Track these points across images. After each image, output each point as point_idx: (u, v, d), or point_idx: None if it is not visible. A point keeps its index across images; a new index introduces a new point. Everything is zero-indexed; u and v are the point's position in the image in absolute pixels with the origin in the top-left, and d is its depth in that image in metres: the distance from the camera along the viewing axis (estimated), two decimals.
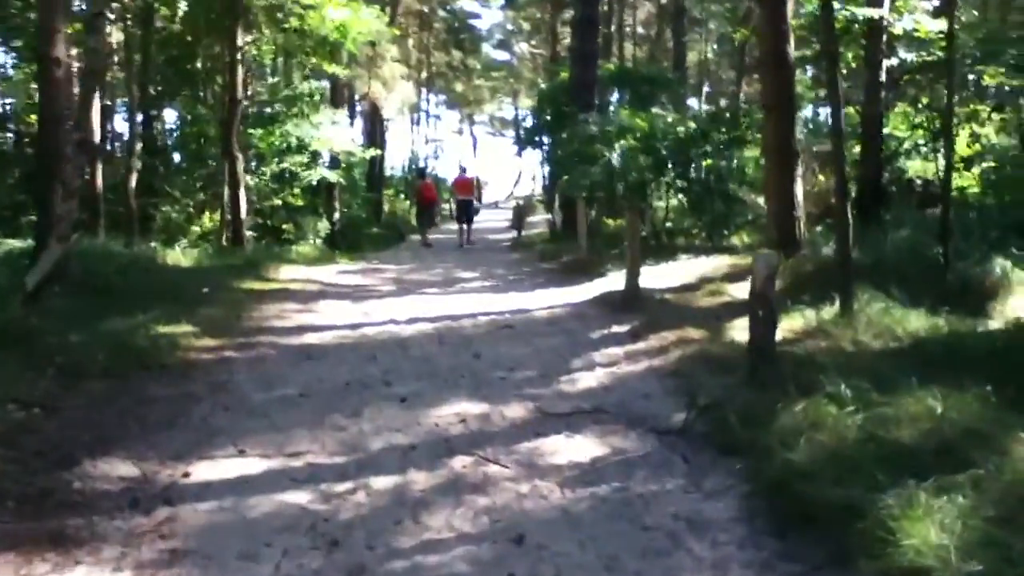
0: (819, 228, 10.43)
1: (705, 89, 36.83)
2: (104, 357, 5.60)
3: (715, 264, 10.12)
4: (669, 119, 12.73)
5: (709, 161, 11.98)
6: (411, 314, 8.00)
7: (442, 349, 6.55)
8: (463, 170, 22.46)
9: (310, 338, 6.95)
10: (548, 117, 20.66)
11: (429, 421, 4.77)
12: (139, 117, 19.65)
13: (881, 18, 10.82)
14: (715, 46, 37.58)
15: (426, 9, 40.91)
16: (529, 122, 27.18)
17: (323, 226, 16.30)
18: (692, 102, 29.76)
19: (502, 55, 58.58)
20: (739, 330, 6.62)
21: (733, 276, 9.23)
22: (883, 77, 11.49)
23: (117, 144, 22.25)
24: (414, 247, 19.86)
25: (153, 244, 12.40)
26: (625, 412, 4.83)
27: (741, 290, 8.44)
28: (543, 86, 25.64)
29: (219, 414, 4.89)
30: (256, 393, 5.32)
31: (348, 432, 4.61)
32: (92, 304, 7.25)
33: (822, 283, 7.51)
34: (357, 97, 23.15)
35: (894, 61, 12.12)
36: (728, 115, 12.24)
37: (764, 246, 9.79)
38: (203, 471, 4.04)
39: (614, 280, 9.45)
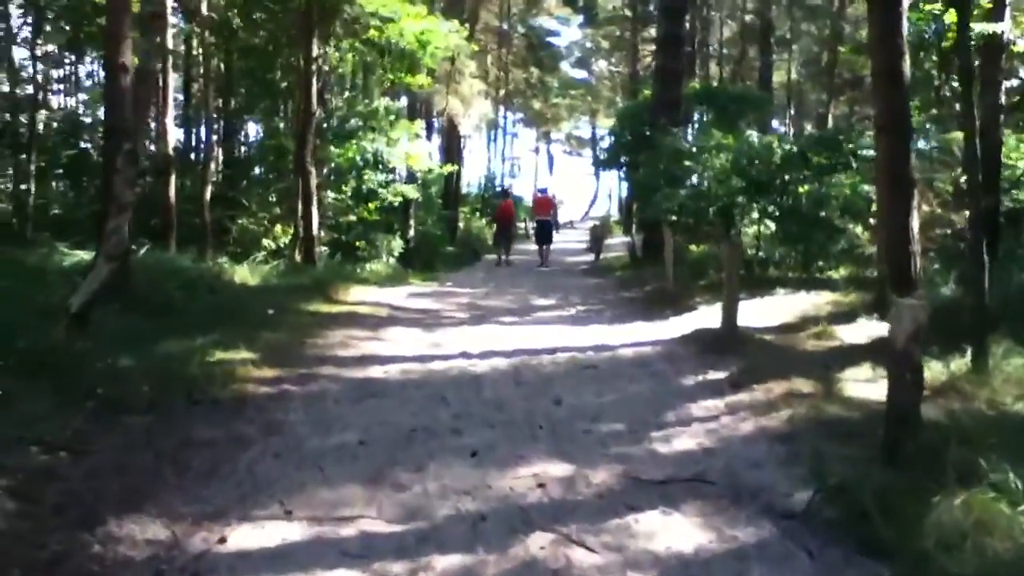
0: (936, 265, 9.46)
1: (790, 112, 35.59)
2: (150, 388, 5.15)
3: (816, 301, 9.27)
4: (764, 139, 11.88)
5: (806, 187, 11.11)
6: (485, 346, 7.39)
7: (518, 391, 5.91)
8: (543, 191, 22.09)
9: (375, 371, 6.40)
10: (629, 136, 19.98)
11: (503, 484, 4.13)
12: (219, 128, 19.87)
13: (1002, 33, 9.85)
14: (801, 68, 36.27)
15: (505, 26, 40.77)
16: (608, 141, 26.56)
17: (397, 244, 15.89)
18: (776, 123, 28.58)
19: (580, 73, 58.20)
20: (854, 383, 5.84)
21: (838, 316, 8.39)
22: (1003, 99, 10.47)
23: (200, 156, 22.47)
24: (489, 267, 19.36)
25: (223, 260, 12.14)
26: (731, 484, 4.11)
27: (849, 332, 7.63)
28: (623, 104, 24.98)
29: (268, 462, 4.35)
30: (312, 437, 4.77)
31: (410, 492, 4.01)
32: (149, 324, 6.88)
33: (946, 330, 6.63)
34: (435, 113, 22.85)
35: (1014, 82, 11.12)
36: (830, 137, 11.27)
37: (875, 282, 8.91)
38: (242, 536, 3.48)
39: (706, 315, 8.70)
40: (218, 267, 10.59)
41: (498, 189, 25.28)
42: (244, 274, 10.58)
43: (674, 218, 12.12)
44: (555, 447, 4.67)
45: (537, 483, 4.13)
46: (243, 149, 21.26)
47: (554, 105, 58.42)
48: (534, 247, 21.04)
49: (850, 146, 10.86)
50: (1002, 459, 3.56)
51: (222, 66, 18.46)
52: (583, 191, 66.72)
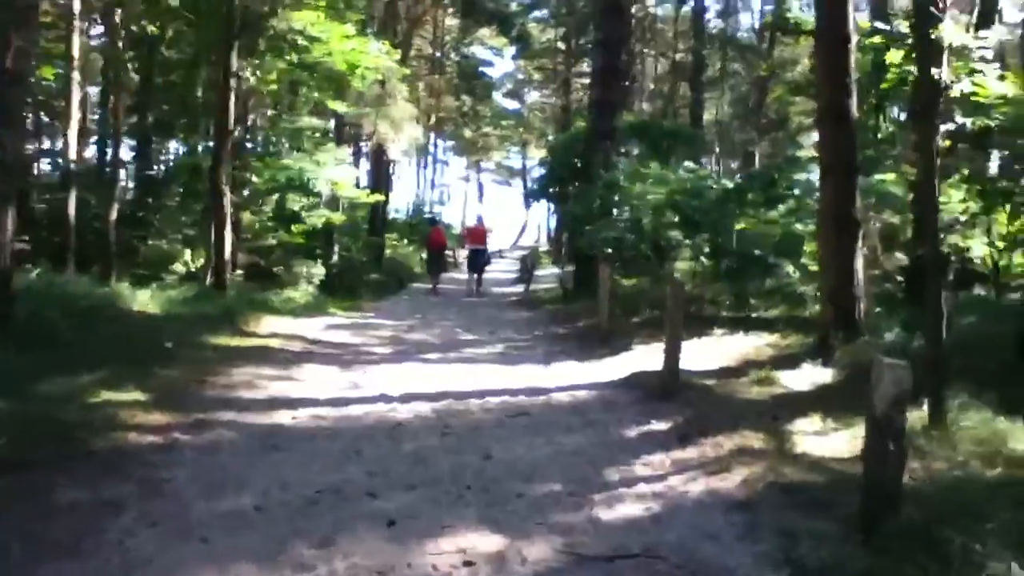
0: (877, 309, 9.22)
1: (716, 149, 35.96)
2: (13, 439, 4.38)
3: (755, 343, 8.91)
4: (699, 174, 11.63)
5: (744, 223, 10.86)
6: (407, 387, 6.75)
7: (444, 443, 5.29)
8: (478, 219, 21.92)
9: (282, 416, 5.70)
10: (561, 167, 19.68)
11: (424, 561, 3.51)
12: (137, 145, 18.82)
13: (940, 78, 9.81)
14: (729, 106, 36.83)
15: (438, 54, 40.44)
16: (539, 171, 26.34)
17: (317, 272, 15.11)
18: (704, 160, 28.74)
19: (512, 104, 58.29)
20: (806, 436, 5.41)
21: (780, 360, 8.01)
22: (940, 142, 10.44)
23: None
24: (415, 296, 18.72)
25: (125, 284, 11.22)
26: (687, 562, 3.57)
27: (793, 379, 7.24)
28: (556, 135, 24.74)
29: (143, 533, 3.64)
30: (199, 500, 4.06)
31: (313, 574, 3.36)
32: (28, 359, 6.05)
33: None
34: (364, 136, 22.18)
35: (950, 126, 11.11)
36: (764, 174, 11.04)
37: (816, 325, 8.60)
38: None
39: (643, 357, 8.24)
40: (117, 292, 9.70)
41: (426, 216, 24.74)
42: (146, 300, 9.71)
43: (609, 251, 11.72)
44: (485, 513, 4.07)
45: (464, 560, 3.53)
46: (161, 167, 20.25)
47: (485, 134, 58.34)
48: (464, 275, 20.60)
49: (784, 184, 10.66)
50: (997, 543, 3.13)
51: (136, 79, 17.53)
52: (512, 221, 66.70)
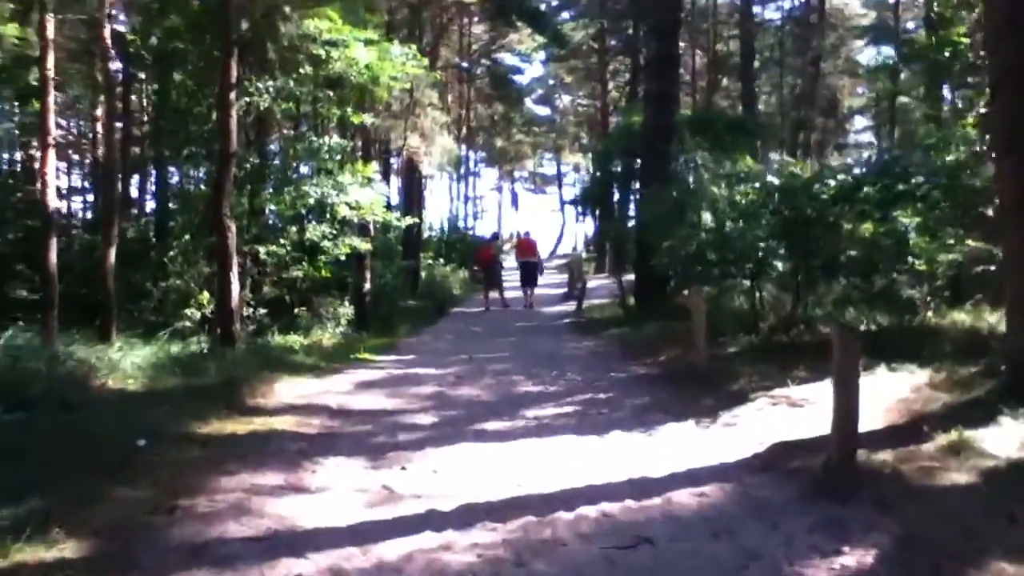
0: None
1: (784, 139, 33.45)
2: None
3: (911, 381, 6.79)
4: (805, 171, 9.51)
5: (870, 227, 8.68)
6: (462, 493, 4.75)
7: None
8: (526, 233, 20.61)
9: (280, 571, 3.75)
10: (612, 170, 17.66)
11: None
12: (151, 178, 17.31)
13: None
14: (786, 93, 34.34)
15: (465, 64, 38.62)
16: (576, 177, 24.40)
17: (345, 311, 13.22)
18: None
19: (544, 110, 56.59)
20: None
21: (960, 410, 5.88)
22: None
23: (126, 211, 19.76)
24: (457, 323, 16.80)
25: (118, 344, 9.48)
26: None
27: (997, 441, 5.15)
28: (603, 139, 22.66)
29: None
30: None
31: None
32: None
33: None
34: (393, 151, 20.36)
35: None
36: (894, 166, 8.78)
37: (1002, 356, 6.46)
38: None
39: (772, 414, 6.19)
40: (100, 359, 7.89)
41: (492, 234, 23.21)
42: (135, 367, 7.89)
43: (698, 268, 9.60)
44: None
45: None
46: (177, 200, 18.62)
47: (517, 143, 56.60)
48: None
49: (918, 176, 8.47)
50: None
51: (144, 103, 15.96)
52: (548, 229, 64.82)
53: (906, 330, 9.11)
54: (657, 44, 15.07)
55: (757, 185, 9.66)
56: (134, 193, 21.68)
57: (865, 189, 8.87)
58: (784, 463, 5.06)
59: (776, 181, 9.13)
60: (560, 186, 63.79)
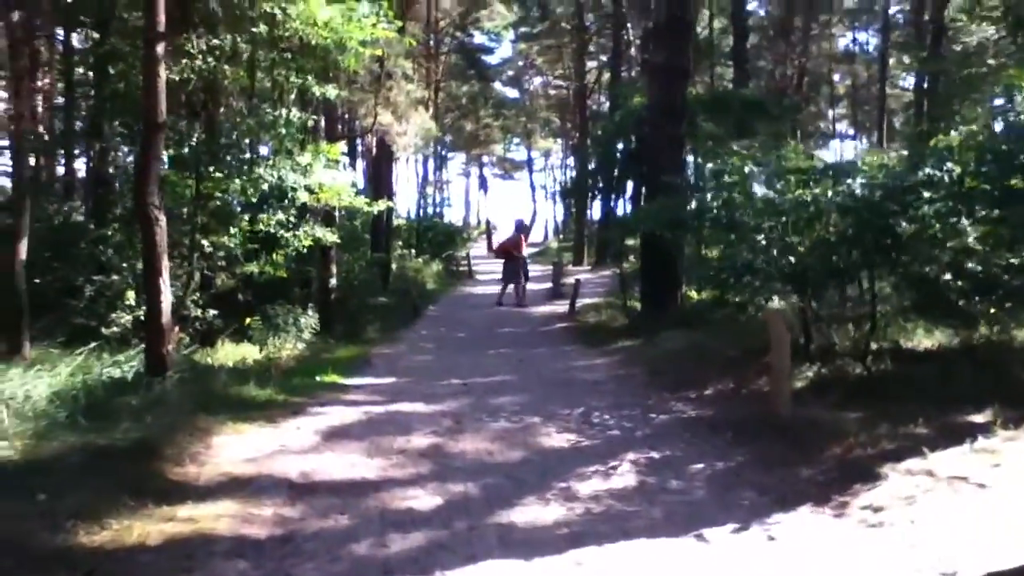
0: None
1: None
2: None
3: None
4: (883, 164, 7.57)
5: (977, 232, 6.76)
6: None
7: None
8: (518, 224, 18.87)
9: None
10: (609, 157, 15.70)
11: None
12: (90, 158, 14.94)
13: None
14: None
15: (432, 42, 36.31)
16: (545, 162, 22.34)
17: (308, 321, 11.07)
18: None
19: (513, 92, 54.57)
20: None
21: None
22: None
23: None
24: (436, 327, 14.78)
25: (18, 369, 7.29)
26: None
27: None
28: (602, 124, 20.62)
29: None
30: None
31: None
32: None
33: None
34: (359, 130, 18.17)
35: None
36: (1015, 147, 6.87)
37: None
38: None
39: (935, 509, 4.25)
40: None
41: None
42: (21, 410, 5.73)
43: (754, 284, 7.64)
44: None
45: None
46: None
47: (486, 126, 54.43)
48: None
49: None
50: None
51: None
52: (517, 215, 62.89)
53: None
54: (668, 6, 13.05)
55: (816, 181, 7.69)
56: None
57: (967, 183, 6.97)
58: None
59: (856, 178, 7.14)
60: (531, 171, 61.88)
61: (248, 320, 10.59)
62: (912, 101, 36.76)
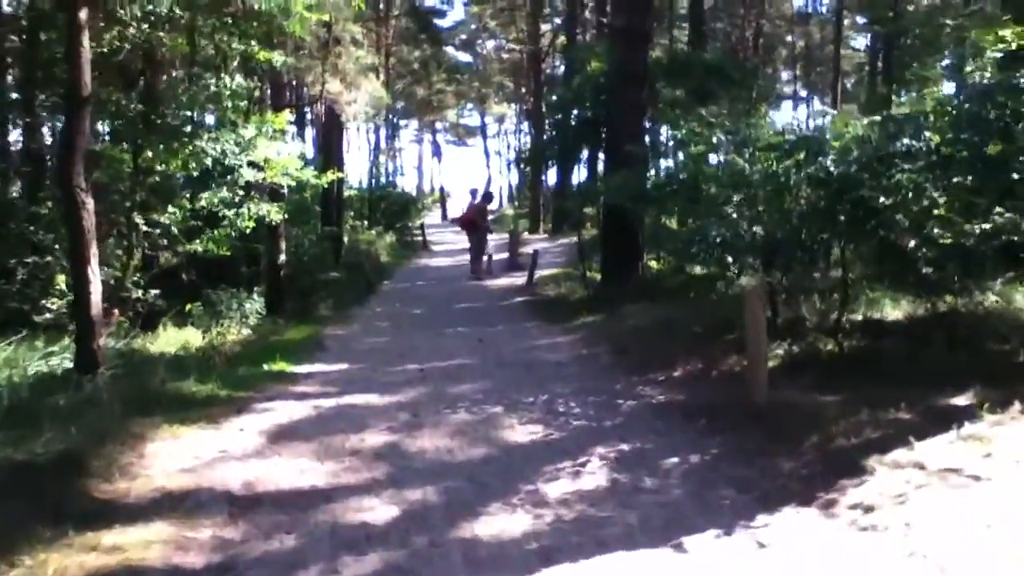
0: None
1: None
2: None
3: None
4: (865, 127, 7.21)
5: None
6: None
7: None
8: (473, 193, 18.45)
9: None
10: (566, 123, 15.25)
11: None
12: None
13: None
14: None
15: (382, 4, 35.27)
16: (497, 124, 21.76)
17: (253, 306, 10.51)
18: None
19: (466, 57, 53.67)
20: None
21: None
22: None
23: None
24: (391, 303, 14.34)
25: None
26: None
27: None
28: (559, 89, 20.07)
29: None
30: None
31: None
32: None
33: None
34: (307, 97, 17.44)
35: None
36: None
37: None
38: None
39: (930, 507, 3.95)
40: None
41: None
42: None
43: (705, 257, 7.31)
44: None
45: None
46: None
47: (439, 91, 53.40)
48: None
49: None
50: None
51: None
52: (472, 182, 62.32)
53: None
54: None
55: (787, 153, 7.33)
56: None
57: (943, 151, 6.68)
58: None
59: (828, 151, 6.78)
60: (484, 138, 61.13)
61: (188, 306, 9.97)
62: (866, 63, 36.90)
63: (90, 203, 6.77)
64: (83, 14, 6.71)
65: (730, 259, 7.28)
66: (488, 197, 19.98)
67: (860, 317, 8.24)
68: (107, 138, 12.03)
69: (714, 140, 7.62)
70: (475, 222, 18.02)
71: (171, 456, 5.18)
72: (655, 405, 6.50)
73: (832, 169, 6.42)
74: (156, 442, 5.38)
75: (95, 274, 6.71)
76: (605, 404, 6.57)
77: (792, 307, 7.86)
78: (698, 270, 8.01)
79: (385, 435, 5.85)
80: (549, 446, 5.60)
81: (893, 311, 8.63)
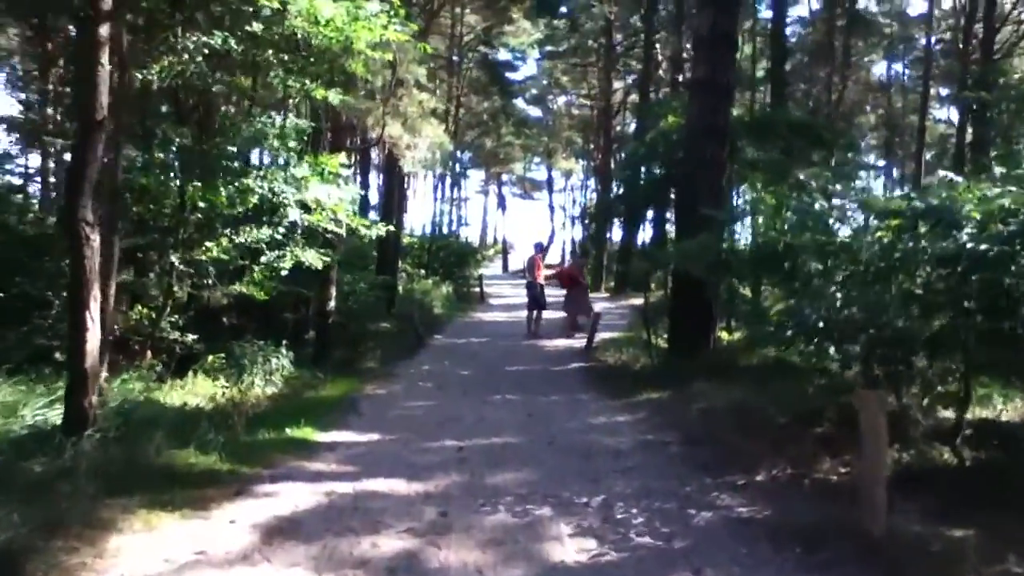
0: None
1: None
2: None
3: None
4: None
5: None
6: None
7: None
8: (537, 247, 17.90)
9: None
10: (636, 181, 14.29)
11: None
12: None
13: None
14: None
15: (455, 57, 35.15)
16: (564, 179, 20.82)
17: (281, 363, 9.64)
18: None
19: (536, 111, 53.46)
20: None
21: None
22: None
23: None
24: (440, 360, 13.38)
25: None
26: None
27: None
28: (633, 145, 19.24)
29: None
30: None
31: None
32: None
33: None
34: (371, 140, 16.84)
35: None
36: None
37: None
38: None
39: None
40: None
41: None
42: None
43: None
44: None
45: None
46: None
47: (507, 144, 53.14)
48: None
49: None
50: None
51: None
52: (535, 236, 61.64)
53: None
54: (714, 16, 11.63)
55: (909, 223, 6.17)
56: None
57: None
58: None
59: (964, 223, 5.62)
60: (551, 192, 60.56)
61: (211, 357, 9.14)
62: (952, 133, 35.29)
63: (95, 239, 5.98)
64: (103, 30, 6.00)
65: (831, 348, 6.09)
66: (541, 247, 19.42)
67: (970, 415, 6.99)
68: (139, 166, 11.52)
69: (816, 207, 6.50)
70: (574, 277, 17.42)
71: (136, 556, 4.20)
72: (736, 521, 5.31)
73: (969, 245, 5.24)
74: (124, 534, 4.42)
75: (94, 320, 5.88)
76: (674, 514, 5.41)
77: (910, 411, 6.61)
78: (799, 360, 6.83)
79: (403, 540, 4.79)
80: (602, 573, 4.47)
81: (1006, 407, 7.44)
